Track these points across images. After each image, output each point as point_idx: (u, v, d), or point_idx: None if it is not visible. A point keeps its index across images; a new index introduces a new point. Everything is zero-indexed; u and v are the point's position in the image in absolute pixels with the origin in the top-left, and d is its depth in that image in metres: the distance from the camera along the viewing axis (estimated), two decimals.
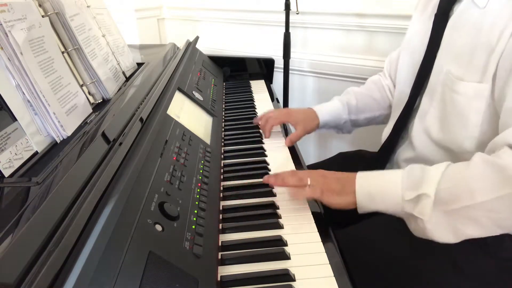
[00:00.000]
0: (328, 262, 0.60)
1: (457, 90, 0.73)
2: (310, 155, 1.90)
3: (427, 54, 0.82)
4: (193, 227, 0.58)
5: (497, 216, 0.60)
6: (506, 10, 0.66)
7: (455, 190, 0.62)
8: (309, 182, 0.73)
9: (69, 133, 0.72)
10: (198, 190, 0.68)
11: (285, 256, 0.60)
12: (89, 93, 0.88)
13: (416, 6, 0.94)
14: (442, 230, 0.64)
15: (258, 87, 1.45)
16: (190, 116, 0.95)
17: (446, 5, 0.79)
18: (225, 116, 1.18)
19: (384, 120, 1.08)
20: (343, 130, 1.12)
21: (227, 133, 1.07)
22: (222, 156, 0.93)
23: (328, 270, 0.58)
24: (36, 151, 0.65)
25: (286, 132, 1.07)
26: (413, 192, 0.65)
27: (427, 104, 0.82)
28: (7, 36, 0.64)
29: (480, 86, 0.69)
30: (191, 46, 1.41)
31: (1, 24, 0.63)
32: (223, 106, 1.26)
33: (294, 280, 0.56)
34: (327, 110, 1.05)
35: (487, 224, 0.61)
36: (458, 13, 0.76)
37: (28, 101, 0.66)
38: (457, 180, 0.63)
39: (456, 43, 0.75)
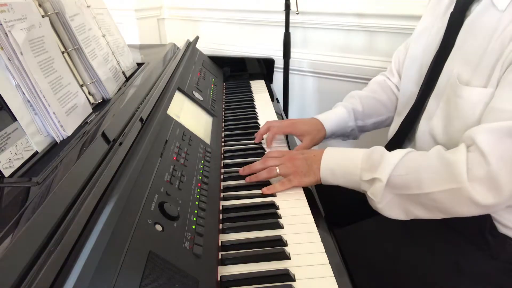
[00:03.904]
0: (328, 262, 0.60)
1: (461, 95, 0.71)
2: None
3: (438, 54, 0.79)
4: (193, 227, 0.58)
5: (441, 205, 0.66)
6: None
7: (406, 178, 0.68)
8: (278, 171, 0.79)
9: (69, 133, 0.72)
10: (198, 190, 0.68)
11: (285, 256, 0.60)
12: (89, 93, 0.88)
13: (428, 3, 0.91)
14: (394, 209, 0.71)
15: (258, 87, 1.45)
16: (190, 116, 0.95)
17: (464, 3, 0.75)
18: (225, 116, 1.18)
19: (390, 123, 1.03)
20: (350, 137, 1.08)
21: (227, 133, 1.07)
22: (222, 156, 0.93)
23: (328, 270, 0.58)
24: (36, 151, 0.65)
25: (287, 137, 1.04)
26: (369, 174, 0.72)
27: (434, 106, 0.80)
28: (7, 36, 0.64)
29: (483, 91, 0.68)
30: (191, 46, 1.41)
31: (1, 24, 0.63)
32: (223, 106, 1.26)
33: (294, 280, 0.56)
34: (332, 120, 1.00)
35: (432, 209, 0.68)
36: (475, 14, 0.73)
37: (28, 101, 0.66)
38: (410, 169, 0.68)
39: (470, 46, 0.72)
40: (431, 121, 0.80)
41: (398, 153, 0.71)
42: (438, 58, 0.79)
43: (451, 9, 0.78)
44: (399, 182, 0.68)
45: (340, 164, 0.76)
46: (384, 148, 0.74)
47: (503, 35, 0.66)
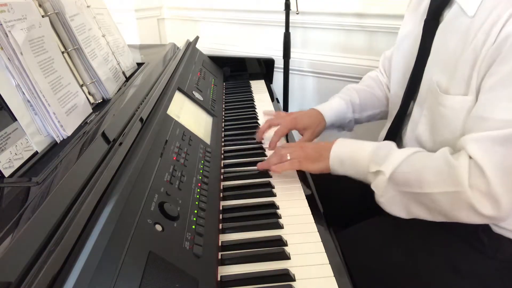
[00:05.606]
0: (328, 262, 0.60)
1: (443, 104, 0.72)
2: None
3: (417, 61, 0.80)
4: (193, 227, 0.58)
5: (440, 207, 0.65)
6: (490, 18, 0.64)
7: (409, 176, 0.68)
8: (288, 157, 0.81)
9: (69, 133, 0.72)
10: (198, 190, 0.68)
11: (285, 256, 0.60)
12: (89, 93, 0.88)
13: (408, 4, 0.92)
14: (395, 205, 0.71)
15: (258, 87, 1.45)
16: (190, 116, 0.95)
17: (436, 10, 0.76)
18: (225, 116, 1.18)
19: (383, 116, 1.07)
20: (346, 129, 1.11)
21: (227, 133, 1.07)
22: (222, 156, 0.93)
23: (328, 270, 0.58)
24: (36, 151, 0.65)
25: (286, 136, 1.04)
26: (375, 166, 0.72)
27: (418, 113, 0.81)
28: (7, 36, 0.64)
29: (465, 99, 0.68)
30: (191, 46, 1.41)
31: (1, 24, 0.63)
32: (223, 106, 1.26)
33: (294, 280, 0.56)
34: (332, 111, 1.02)
35: (433, 211, 0.67)
36: (447, 20, 0.74)
37: (28, 101, 0.66)
38: (414, 167, 0.68)
39: (444, 53, 0.73)
40: (417, 128, 0.81)
41: (406, 150, 0.71)
42: (417, 65, 0.80)
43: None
44: (401, 179, 0.68)
45: (349, 154, 0.77)
46: (395, 144, 0.75)
47: (474, 42, 0.66)
